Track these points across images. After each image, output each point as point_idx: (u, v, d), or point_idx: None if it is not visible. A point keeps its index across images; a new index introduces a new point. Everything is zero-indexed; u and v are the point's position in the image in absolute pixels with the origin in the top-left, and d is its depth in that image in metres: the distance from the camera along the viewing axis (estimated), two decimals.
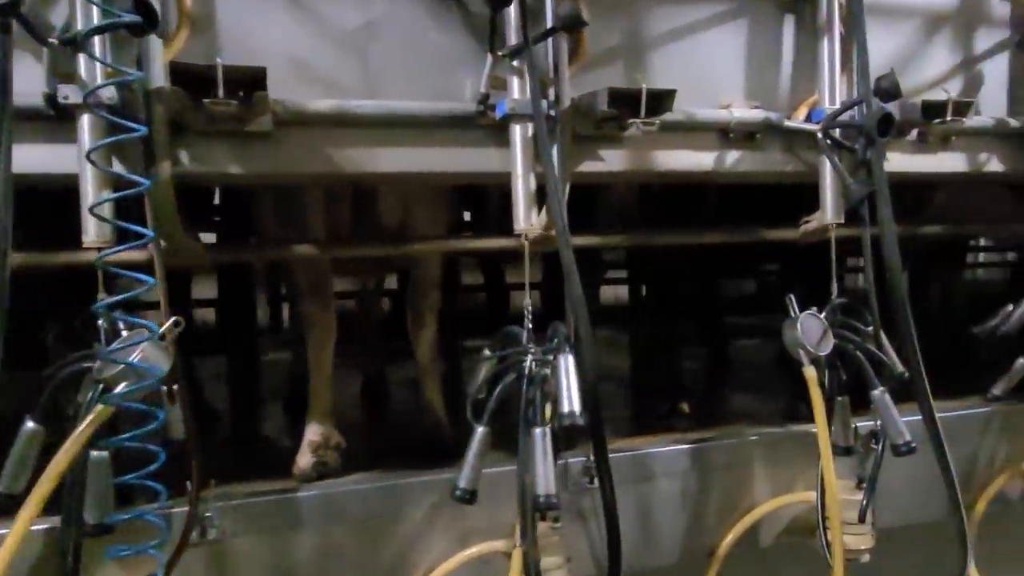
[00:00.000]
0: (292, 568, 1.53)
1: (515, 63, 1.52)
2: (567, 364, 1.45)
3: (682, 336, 2.47)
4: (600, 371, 1.98)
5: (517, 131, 1.54)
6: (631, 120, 1.53)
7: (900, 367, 1.81)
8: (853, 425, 1.83)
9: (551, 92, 1.55)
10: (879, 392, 1.71)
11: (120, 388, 1.23)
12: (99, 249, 1.27)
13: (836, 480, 1.70)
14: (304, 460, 1.88)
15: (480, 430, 1.50)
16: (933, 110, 1.76)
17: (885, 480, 2.00)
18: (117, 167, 1.34)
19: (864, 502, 1.77)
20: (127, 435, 1.23)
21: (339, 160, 1.52)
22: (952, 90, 2.00)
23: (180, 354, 1.37)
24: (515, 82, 1.53)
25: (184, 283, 2.81)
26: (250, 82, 1.28)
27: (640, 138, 1.69)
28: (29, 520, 1.14)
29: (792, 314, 1.74)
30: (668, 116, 1.69)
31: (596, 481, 1.73)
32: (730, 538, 1.83)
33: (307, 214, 1.87)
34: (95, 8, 1.22)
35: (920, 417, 2.05)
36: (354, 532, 1.58)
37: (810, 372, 1.72)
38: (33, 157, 1.31)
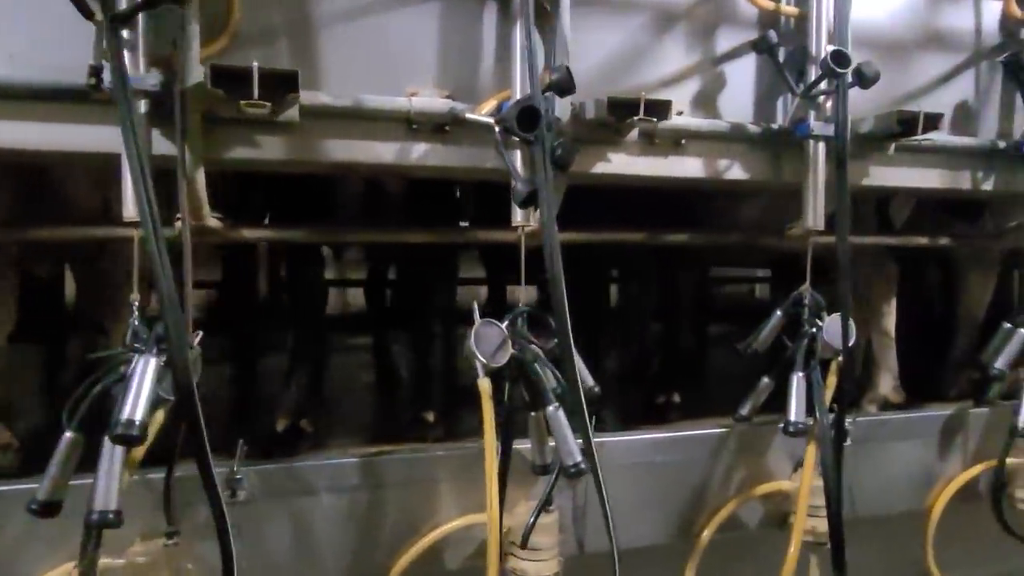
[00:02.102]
0: None
1: (125, 34, 1.38)
2: (145, 367, 1.31)
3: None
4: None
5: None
6: (243, 102, 1.39)
7: (591, 382, 1.71)
8: (550, 442, 1.72)
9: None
10: (552, 409, 1.59)
11: None
12: None
13: (499, 500, 1.58)
14: None
15: (67, 435, 1.36)
16: (623, 109, 1.63)
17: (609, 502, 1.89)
18: None
19: (531, 521, 1.66)
20: None
21: None
22: (689, 90, 1.89)
23: None
24: (127, 55, 1.39)
25: None
26: None
27: (306, 125, 1.57)
28: None
29: (475, 321, 1.63)
30: (333, 102, 1.57)
31: (237, 495, 1.61)
32: (405, 559, 1.71)
33: None
34: None
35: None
36: None
37: (483, 384, 1.60)
38: None
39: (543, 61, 1.68)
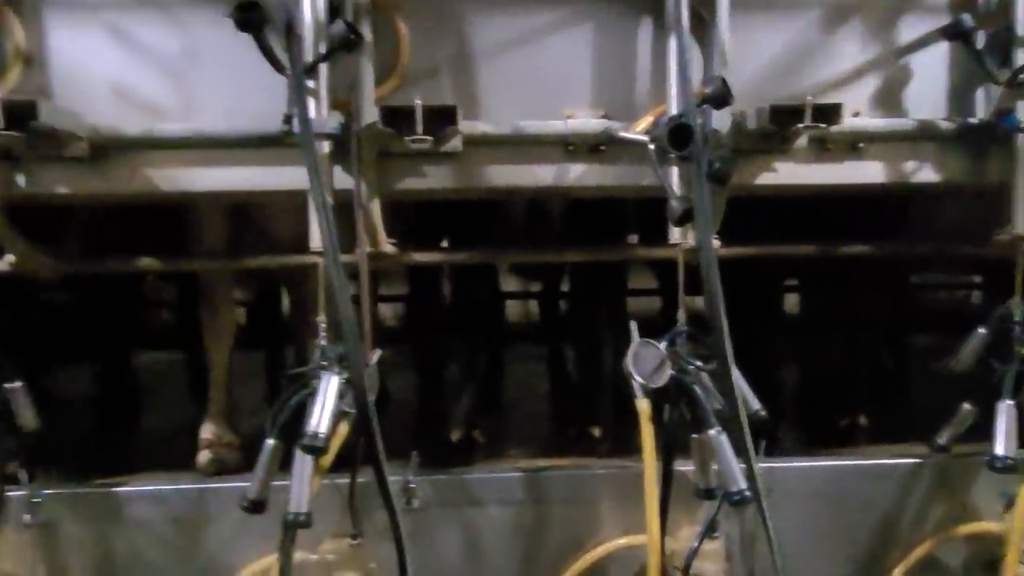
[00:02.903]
0: (112, 555, 1.67)
1: (310, 84, 1.54)
2: (328, 384, 1.45)
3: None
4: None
5: None
6: (408, 138, 1.49)
7: (757, 405, 1.62)
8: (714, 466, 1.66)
9: None
10: (715, 432, 1.54)
11: None
12: None
13: (660, 523, 1.55)
14: (201, 457, 2.03)
15: (268, 443, 1.54)
16: (788, 116, 1.53)
17: (781, 532, 1.79)
18: None
19: (694, 547, 1.61)
20: None
21: (157, 180, 1.62)
22: (867, 89, 1.74)
23: None
24: (312, 102, 1.55)
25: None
26: (26, 114, 1.41)
27: (469, 154, 1.65)
28: None
29: (632, 341, 1.62)
30: (493, 130, 1.64)
31: (411, 503, 1.73)
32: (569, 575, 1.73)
33: (197, 228, 2.01)
34: None
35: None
36: (171, 528, 1.69)
37: (642, 405, 1.58)
38: None
39: (701, 72, 1.64)
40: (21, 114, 1.41)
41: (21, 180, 1.61)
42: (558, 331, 2.84)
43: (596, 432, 2.20)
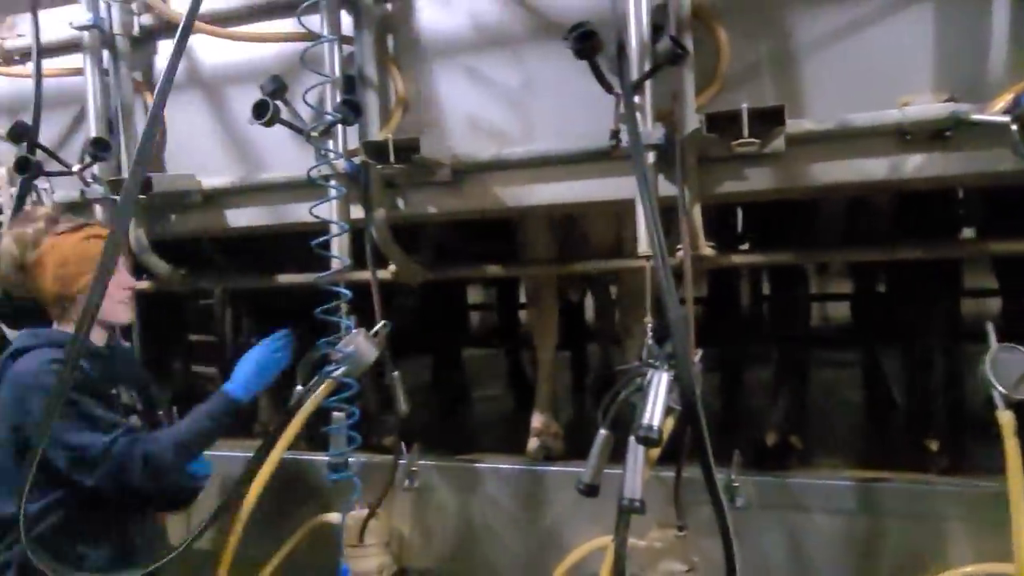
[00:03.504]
0: (470, 521, 1.95)
1: (636, 100, 1.65)
2: (659, 381, 1.54)
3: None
4: None
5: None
6: (734, 142, 1.52)
7: None
8: None
9: None
10: None
11: (339, 369, 1.82)
12: None
13: None
14: (531, 443, 2.27)
15: (601, 433, 1.68)
16: None
17: None
18: None
19: None
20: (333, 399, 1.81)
21: (502, 197, 1.86)
22: None
23: None
24: (639, 117, 1.65)
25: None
26: (410, 149, 1.72)
27: (792, 153, 1.63)
28: (280, 453, 1.78)
29: (991, 345, 1.47)
30: (817, 126, 1.61)
31: (734, 501, 1.74)
32: None
33: (527, 239, 2.25)
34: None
35: None
36: (514, 504, 1.92)
37: (1004, 417, 1.43)
38: None
39: None
40: (407, 149, 1.73)
41: (400, 203, 1.96)
42: (874, 335, 2.63)
43: (933, 445, 2.01)
